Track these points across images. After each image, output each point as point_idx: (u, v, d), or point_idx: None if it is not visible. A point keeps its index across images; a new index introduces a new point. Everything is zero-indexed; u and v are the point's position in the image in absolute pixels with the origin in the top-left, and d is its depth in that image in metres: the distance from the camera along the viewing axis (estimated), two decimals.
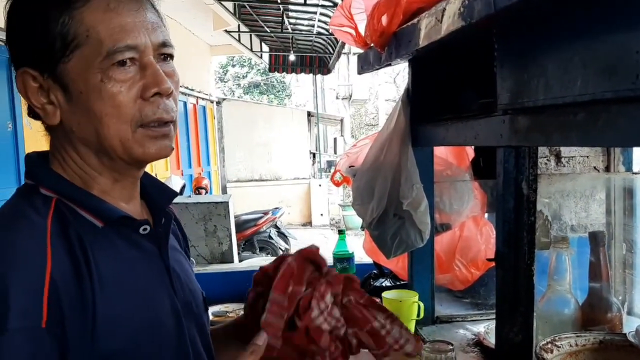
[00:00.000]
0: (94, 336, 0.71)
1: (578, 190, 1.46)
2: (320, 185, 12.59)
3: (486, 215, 1.81)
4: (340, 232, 2.04)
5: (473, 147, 1.73)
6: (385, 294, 1.57)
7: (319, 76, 13.92)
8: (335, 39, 9.31)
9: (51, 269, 0.69)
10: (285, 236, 8.19)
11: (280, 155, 13.07)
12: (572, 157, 1.48)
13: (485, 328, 1.52)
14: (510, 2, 0.75)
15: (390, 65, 1.43)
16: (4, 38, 0.81)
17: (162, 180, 0.96)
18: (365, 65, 1.59)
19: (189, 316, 0.88)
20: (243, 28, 9.58)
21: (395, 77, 19.83)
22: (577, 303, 1.26)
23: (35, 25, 0.77)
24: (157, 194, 0.92)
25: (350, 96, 16.43)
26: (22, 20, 0.79)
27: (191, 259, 1.08)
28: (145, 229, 0.83)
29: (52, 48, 0.76)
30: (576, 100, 0.74)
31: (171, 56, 0.83)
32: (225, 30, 9.37)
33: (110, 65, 0.76)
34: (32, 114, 0.82)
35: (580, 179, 1.47)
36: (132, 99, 0.78)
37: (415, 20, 1.15)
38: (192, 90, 9.51)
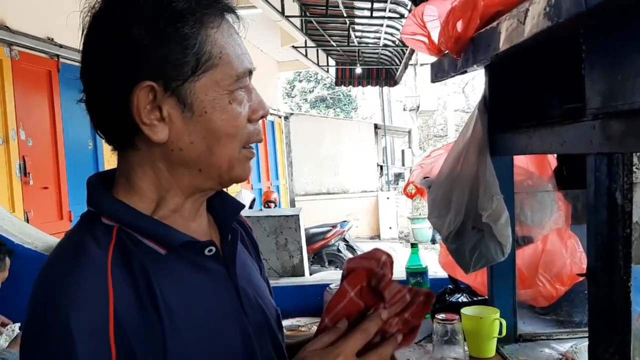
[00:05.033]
0: None
1: None
2: (388, 198, 12.49)
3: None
4: (413, 245, 1.99)
5: (555, 155, 1.64)
6: (464, 311, 1.51)
7: (385, 88, 13.89)
8: (402, 50, 9.27)
9: (114, 306, 0.68)
10: (354, 249, 8.14)
11: (347, 168, 13.08)
12: None
13: (572, 347, 1.43)
14: None
15: (466, 72, 1.38)
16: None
17: (233, 195, 0.93)
18: (439, 73, 1.54)
19: (262, 337, 0.86)
20: (310, 43, 9.71)
21: (464, 87, 19.48)
22: None
23: (171, 40, 0.73)
24: (221, 208, 0.90)
25: (418, 107, 16.29)
26: (151, 33, 0.72)
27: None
28: (210, 250, 0.81)
29: (185, 65, 0.74)
30: None
31: None
32: (293, 46, 9.52)
33: (236, 88, 0.78)
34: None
35: None
36: (246, 120, 0.80)
37: (494, 24, 1.10)
38: None
